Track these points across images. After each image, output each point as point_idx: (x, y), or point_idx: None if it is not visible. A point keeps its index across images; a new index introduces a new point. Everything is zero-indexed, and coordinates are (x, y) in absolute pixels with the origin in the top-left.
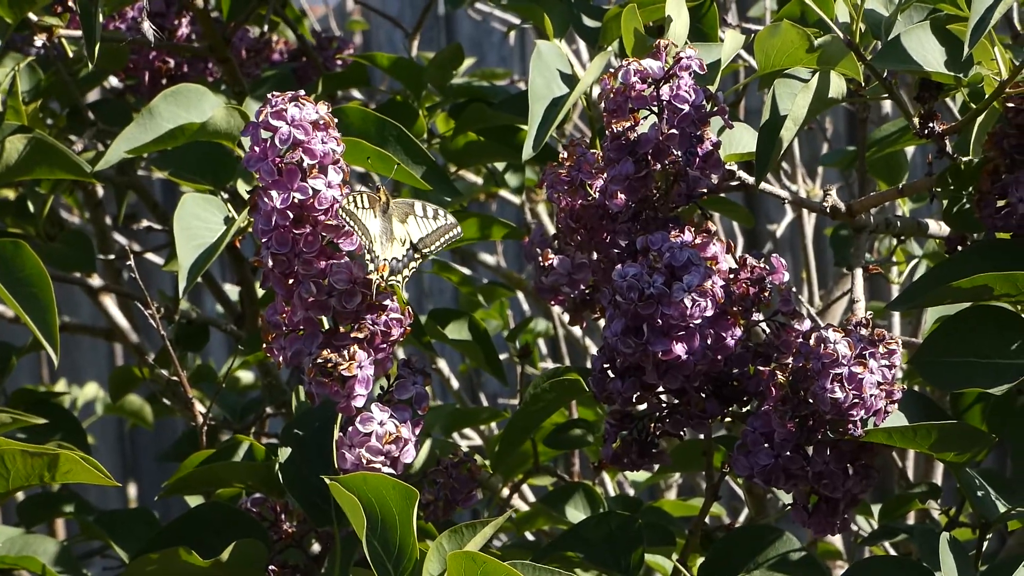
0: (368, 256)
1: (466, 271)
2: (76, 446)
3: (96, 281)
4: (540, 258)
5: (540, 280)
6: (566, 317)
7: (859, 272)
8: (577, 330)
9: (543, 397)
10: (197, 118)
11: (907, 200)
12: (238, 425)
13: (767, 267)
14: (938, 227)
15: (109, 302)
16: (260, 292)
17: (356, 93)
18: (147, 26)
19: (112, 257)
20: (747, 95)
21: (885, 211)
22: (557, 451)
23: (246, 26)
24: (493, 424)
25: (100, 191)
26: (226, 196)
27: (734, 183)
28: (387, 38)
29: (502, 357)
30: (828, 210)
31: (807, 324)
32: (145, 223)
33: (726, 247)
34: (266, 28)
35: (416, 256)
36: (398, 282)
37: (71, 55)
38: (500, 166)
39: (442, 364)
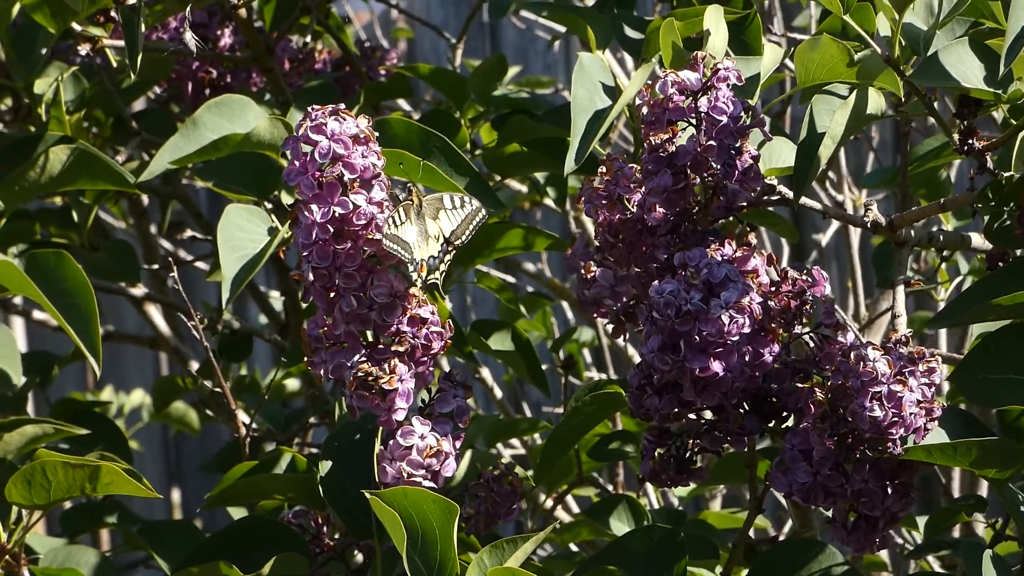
0: (410, 267)
1: (510, 279)
2: (119, 456)
3: (139, 291)
4: (583, 270)
5: (583, 292)
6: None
7: (900, 287)
8: (621, 340)
9: (584, 410)
10: (241, 129)
11: (950, 216)
12: (281, 436)
13: (809, 279)
14: (982, 241)
15: (154, 311)
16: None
17: (403, 104)
18: (189, 36)
19: (156, 267)
20: (792, 105)
21: (929, 225)
22: (601, 463)
23: (288, 36)
24: (536, 435)
25: (145, 200)
26: (269, 207)
27: (774, 197)
28: (431, 46)
29: (545, 367)
30: (869, 225)
31: (851, 336)
32: (189, 233)
33: (768, 260)
34: (309, 37)
35: (449, 249)
36: (436, 279)
37: (115, 65)
38: (542, 177)
39: (485, 373)
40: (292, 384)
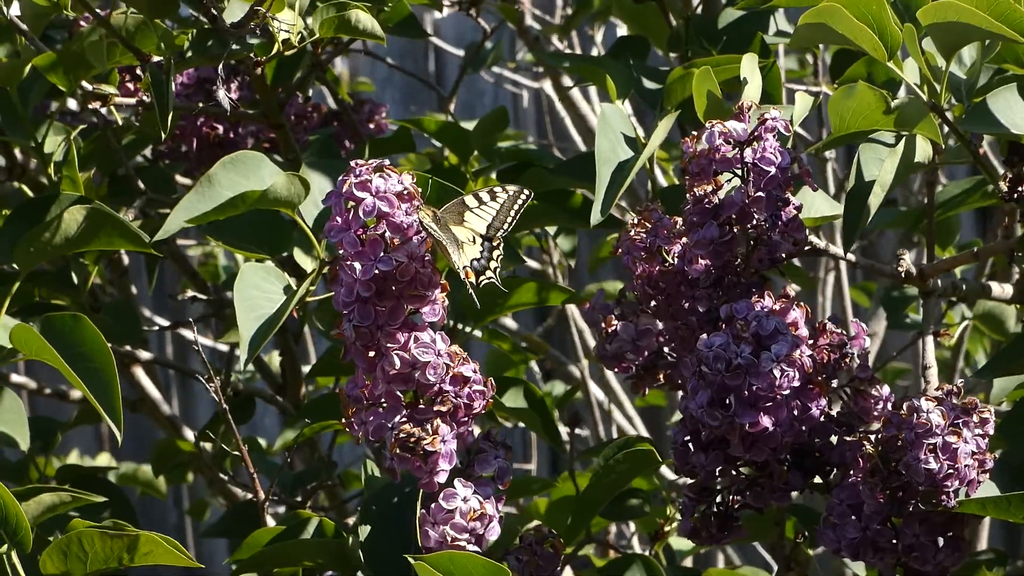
0: (456, 266)
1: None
2: (127, 521)
3: (145, 355)
4: (603, 324)
5: (603, 347)
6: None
7: (930, 339)
8: (601, 392)
9: (616, 468)
10: (256, 185)
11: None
12: (287, 500)
13: (847, 333)
14: (1001, 290)
15: (140, 372)
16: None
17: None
18: (223, 94)
19: (156, 328)
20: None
21: (950, 274)
22: (609, 521)
23: (296, 91)
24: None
25: (125, 260)
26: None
27: (807, 247)
28: (389, 98)
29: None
30: (903, 275)
31: (886, 390)
32: (190, 293)
33: (805, 312)
34: (311, 93)
35: (495, 244)
36: (492, 279)
37: (120, 123)
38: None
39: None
40: (262, 443)
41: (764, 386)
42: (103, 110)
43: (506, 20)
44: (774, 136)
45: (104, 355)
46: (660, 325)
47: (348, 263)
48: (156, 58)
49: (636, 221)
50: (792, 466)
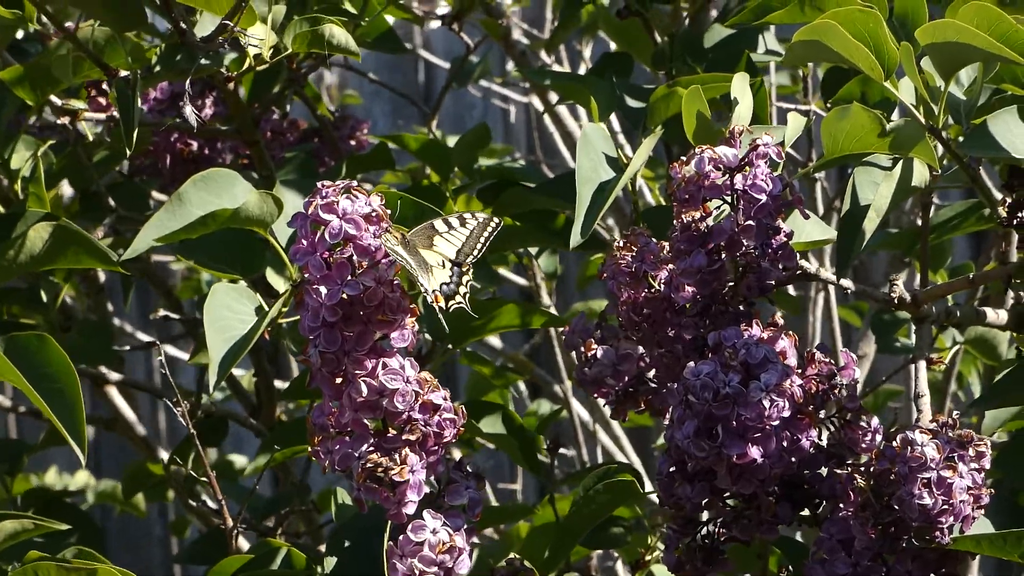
0: (422, 289)
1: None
2: (94, 549)
3: (115, 375)
4: (583, 348)
5: (583, 372)
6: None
7: (923, 365)
8: (586, 413)
9: (597, 499)
10: (229, 204)
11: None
12: (260, 526)
13: (836, 363)
14: (995, 316)
15: (113, 392)
16: (280, 384)
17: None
18: (189, 110)
19: (128, 348)
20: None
21: (944, 300)
22: (591, 550)
23: (272, 107)
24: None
25: (102, 277)
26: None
27: (797, 272)
28: (365, 114)
29: None
30: (896, 301)
31: (875, 421)
32: (163, 312)
33: (794, 341)
34: (288, 109)
35: (464, 270)
36: (462, 304)
37: (91, 138)
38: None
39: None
40: (240, 462)
41: (753, 416)
42: (75, 125)
43: (489, 35)
44: (766, 162)
45: (69, 376)
46: (641, 349)
47: (314, 287)
48: (124, 72)
49: (622, 245)
50: (781, 498)
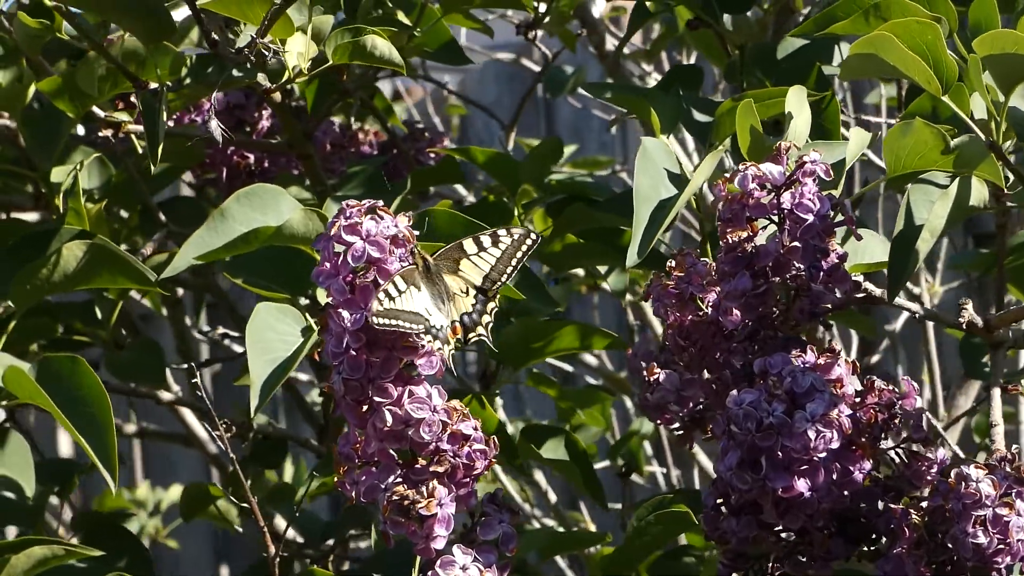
0: (428, 336)
1: (567, 367)
2: (140, 574)
3: (166, 395)
4: (645, 372)
5: (645, 396)
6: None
7: (997, 392)
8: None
9: (649, 531)
10: (273, 221)
11: None
12: (316, 552)
13: (897, 390)
14: None
15: (186, 411)
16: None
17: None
18: (215, 124)
19: (186, 365)
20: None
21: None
22: None
23: (330, 118)
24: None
25: (180, 290)
26: (305, 301)
27: (859, 295)
28: (484, 124)
29: (606, 464)
30: (964, 326)
31: (942, 452)
32: (221, 330)
33: (851, 367)
34: (353, 119)
35: (490, 296)
36: (483, 335)
37: (140, 151)
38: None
39: (539, 476)
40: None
41: (798, 448)
42: (119, 137)
43: (565, 45)
44: (814, 180)
45: (101, 400)
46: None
47: (337, 311)
48: (153, 85)
49: (670, 265)
50: (835, 533)
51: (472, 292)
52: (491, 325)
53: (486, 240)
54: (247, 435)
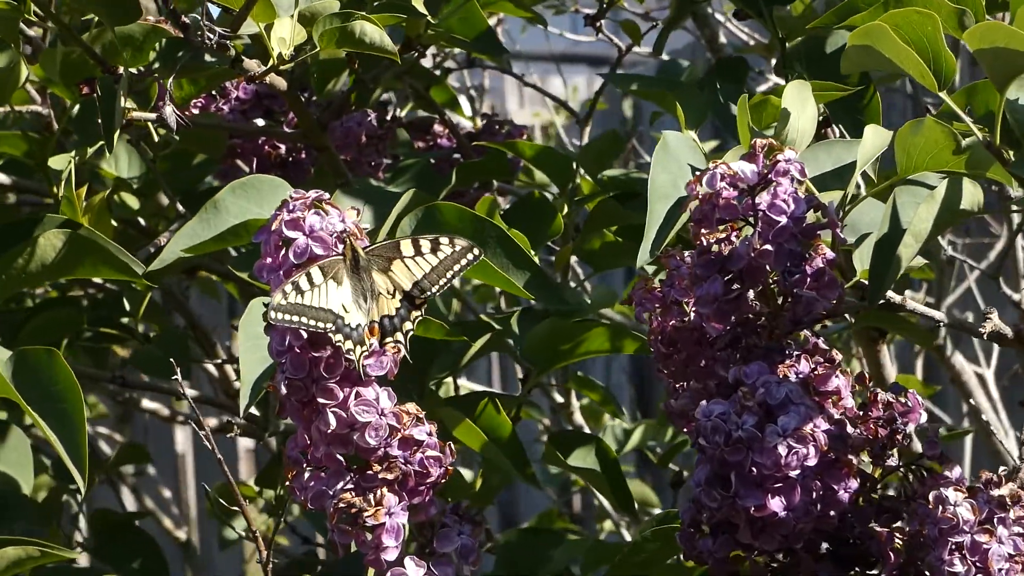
0: (338, 336)
1: None
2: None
3: (191, 391)
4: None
5: (669, 403)
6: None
7: None
8: None
9: (646, 547)
10: (269, 213)
11: None
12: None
13: (904, 404)
14: None
15: None
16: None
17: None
18: (169, 111)
19: (220, 361)
20: None
21: None
22: None
23: (365, 109)
24: None
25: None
26: None
27: (880, 303)
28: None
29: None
30: (986, 336)
31: (957, 471)
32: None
33: (859, 379)
34: (397, 111)
35: (417, 303)
36: (400, 342)
37: (156, 140)
38: None
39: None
40: None
41: (768, 464)
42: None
43: (630, 38)
44: (789, 180)
45: (75, 396)
46: None
47: None
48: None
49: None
50: (826, 555)
51: (399, 296)
52: (410, 333)
53: (425, 245)
54: (263, 436)
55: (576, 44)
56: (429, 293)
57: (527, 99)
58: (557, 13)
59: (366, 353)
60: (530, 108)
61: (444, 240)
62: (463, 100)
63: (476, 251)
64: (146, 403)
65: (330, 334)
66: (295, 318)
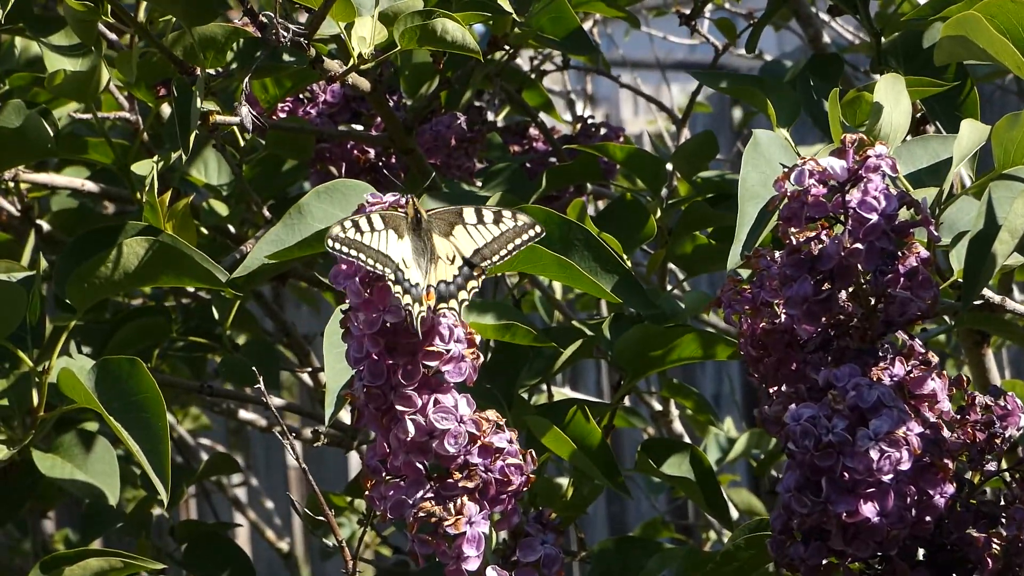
0: (398, 288)
1: None
2: None
3: (278, 400)
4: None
5: (763, 409)
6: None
7: None
8: None
9: (738, 555)
10: None
11: None
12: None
13: (1004, 407)
14: None
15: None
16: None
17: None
18: (246, 111)
19: (309, 370)
20: None
21: None
22: None
23: (454, 112)
24: None
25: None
26: None
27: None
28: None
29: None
30: None
31: None
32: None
33: (957, 381)
34: (491, 115)
35: (476, 273)
36: (454, 309)
37: (242, 144)
38: None
39: None
40: None
41: (860, 469)
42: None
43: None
44: (880, 176)
45: (158, 406)
46: None
47: (354, 313)
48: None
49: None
50: (922, 562)
51: (459, 262)
52: (465, 303)
53: (488, 215)
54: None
55: (692, 50)
56: (489, 263)
57: (641, 108)
58: (658, 15)
59: (426, 316)
60: (644, 116)
61: (507, 213)
62: (560, 104)
63: (538, 228)
64: (243, 414)
65: (389, 282)
66: (353, 252)
